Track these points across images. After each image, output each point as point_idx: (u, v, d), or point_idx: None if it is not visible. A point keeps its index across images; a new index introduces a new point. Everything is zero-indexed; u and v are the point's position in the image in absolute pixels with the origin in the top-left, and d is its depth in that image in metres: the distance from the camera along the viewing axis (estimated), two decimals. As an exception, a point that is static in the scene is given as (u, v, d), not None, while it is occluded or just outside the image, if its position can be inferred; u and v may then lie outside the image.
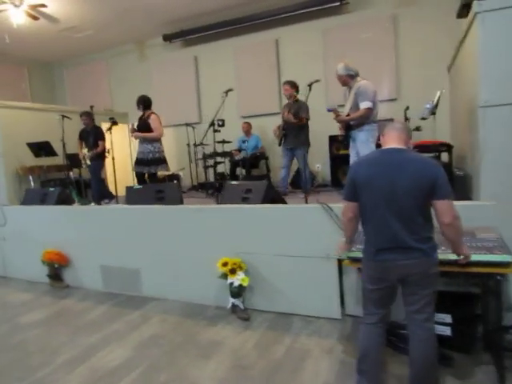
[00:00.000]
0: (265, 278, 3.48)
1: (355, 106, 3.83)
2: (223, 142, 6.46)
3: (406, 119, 4.84)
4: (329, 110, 3.52)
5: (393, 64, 5.96)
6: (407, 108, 4.96)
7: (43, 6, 5.89)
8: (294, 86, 5.31)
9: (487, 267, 2.21)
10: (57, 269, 4.49)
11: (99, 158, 5.63)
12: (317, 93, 6.68)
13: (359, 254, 2.31)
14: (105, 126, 5.58)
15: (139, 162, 5.15)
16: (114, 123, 4.89)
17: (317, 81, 3.80)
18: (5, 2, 5.76)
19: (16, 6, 5.84)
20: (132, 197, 4.34)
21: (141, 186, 4.50)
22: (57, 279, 4.53)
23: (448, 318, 2.58)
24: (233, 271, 3.38)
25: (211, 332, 3.19)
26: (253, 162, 6.75)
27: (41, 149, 5.80)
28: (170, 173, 5.70)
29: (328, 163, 6.71)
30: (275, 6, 6.67)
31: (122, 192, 6.10)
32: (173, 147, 7.67)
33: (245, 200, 3.76)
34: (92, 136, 5.57)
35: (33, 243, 4.66)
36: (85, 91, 8.91)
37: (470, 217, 2.45)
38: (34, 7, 5.96)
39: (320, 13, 6.41)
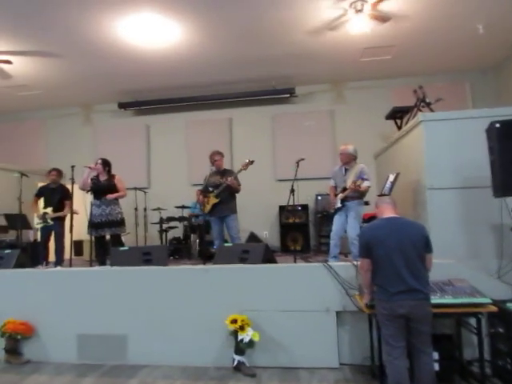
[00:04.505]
0: (267, 335, 3.71)
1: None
2: (183, 207, 6.67)
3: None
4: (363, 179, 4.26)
5: (330, 148, 7.17)
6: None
7: (8, 62, 5.75)
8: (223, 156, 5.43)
9: (470, 307, 2.95)
10: (18, 341, 3.97)
11: (62, 218, 5.36)
12: (267, 166, 7.58)
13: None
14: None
15: (108, 224, 5.02)
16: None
17: (302, 159, 4.49)
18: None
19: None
20: (117, 259, 4.25)
21: (127, 248, 4.44)
22: (15, 353, 3.98)
23: (436, 355, 3.21)
24: (242, 328, 3.56)
25: (227, 391, 3.25)
26: (207, 228, 7.00)
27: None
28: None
29: (277, 231, 7.38)
30: (230, 90, 7.57)
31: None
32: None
33: (243, 260, 4.06)
34: (58, 194, 5.39)
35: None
36: (15, 149, 8.31)
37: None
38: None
39: (271, 101, 7.53)
